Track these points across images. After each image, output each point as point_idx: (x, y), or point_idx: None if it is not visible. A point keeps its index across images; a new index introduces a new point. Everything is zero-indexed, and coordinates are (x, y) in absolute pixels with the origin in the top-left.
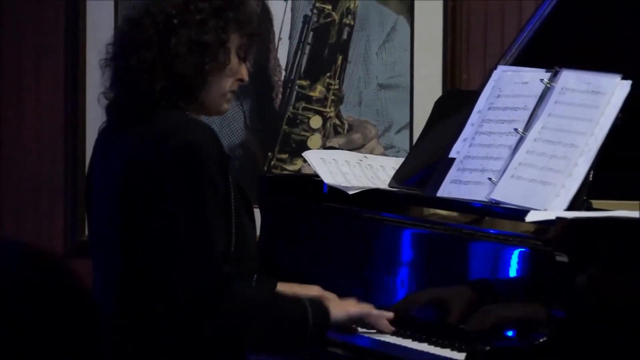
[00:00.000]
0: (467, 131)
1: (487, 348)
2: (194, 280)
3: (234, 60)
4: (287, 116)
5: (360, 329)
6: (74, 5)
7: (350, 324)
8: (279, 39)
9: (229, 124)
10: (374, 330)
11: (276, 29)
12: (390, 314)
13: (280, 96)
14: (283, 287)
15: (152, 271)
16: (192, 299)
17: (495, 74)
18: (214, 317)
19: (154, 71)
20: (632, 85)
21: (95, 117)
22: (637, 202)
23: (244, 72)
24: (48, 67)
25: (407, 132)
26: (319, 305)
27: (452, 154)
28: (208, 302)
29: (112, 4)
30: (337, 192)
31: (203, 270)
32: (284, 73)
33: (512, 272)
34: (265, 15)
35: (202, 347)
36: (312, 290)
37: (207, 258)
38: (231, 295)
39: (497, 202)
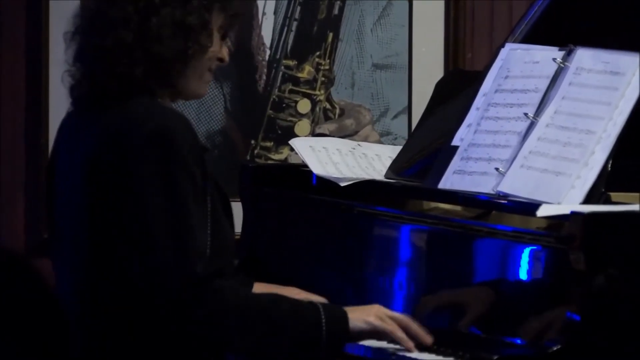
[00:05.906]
0: (472, 116)
1: (495, 357)
2: (166, 275)
3: (215, 41)
4: (272, 100)
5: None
6: None
7: (374, 336)
8: (263, 14)
9: (208, 108)
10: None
11: (260, 3)
12: (429, 339)
13: (264, 78)
14: (259, 287)
15: (122, 266)
16: (165, 296)
17: (503, 53)
18: (192, 319)
19: (133, 54)
20: None
21: (58, 109)
22: None
23: (224, 52)
24: (8, 56)
25: (405, 117)
26: (334, 312)
27: (455, 142)
28: (184, 302)
29: None
30: (327, 184)
31: (177, 264)
32: (268, 52)
33: (522, 273)
34: None
35: (177, 348)
36: (292, 292)
37: (182, 250)
38: (214, 293)
39: (505, 195)
